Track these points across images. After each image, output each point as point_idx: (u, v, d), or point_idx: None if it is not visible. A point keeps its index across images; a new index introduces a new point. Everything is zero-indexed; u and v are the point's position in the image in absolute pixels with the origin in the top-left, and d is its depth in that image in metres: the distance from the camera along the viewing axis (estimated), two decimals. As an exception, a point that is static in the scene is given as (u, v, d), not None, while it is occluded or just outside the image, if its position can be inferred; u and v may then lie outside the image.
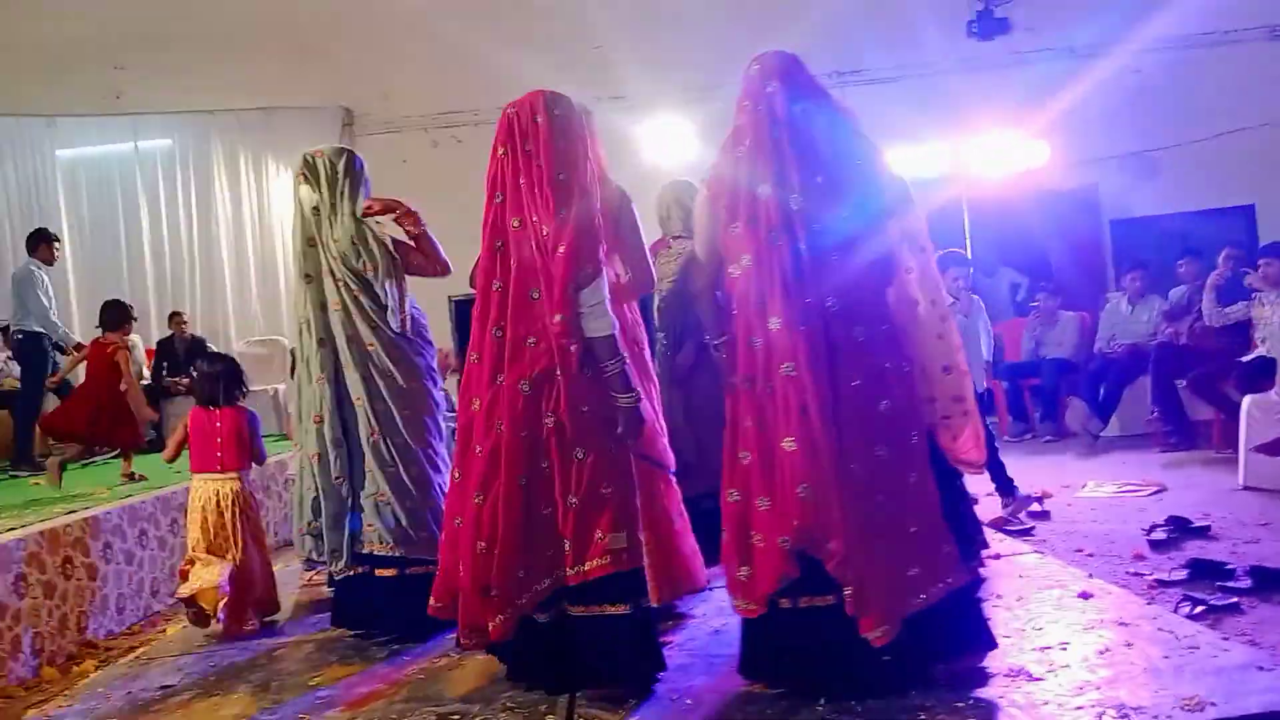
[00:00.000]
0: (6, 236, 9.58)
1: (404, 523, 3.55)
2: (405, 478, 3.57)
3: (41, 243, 7.37)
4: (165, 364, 8.51)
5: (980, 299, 5.72)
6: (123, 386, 5.87)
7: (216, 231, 9.92)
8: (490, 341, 2.83)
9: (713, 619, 3.43)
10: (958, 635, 2.71)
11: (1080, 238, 9.26)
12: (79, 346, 6.97)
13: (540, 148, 2.78)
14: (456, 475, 2.96)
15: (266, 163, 10.07)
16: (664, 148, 9.17)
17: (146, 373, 8.51)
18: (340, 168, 3.67)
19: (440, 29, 9.26)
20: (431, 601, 2.99)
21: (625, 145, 8.91)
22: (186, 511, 4.15)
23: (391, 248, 3.68)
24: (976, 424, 3.36)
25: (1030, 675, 2.68)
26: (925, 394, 3.33)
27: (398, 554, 3.56)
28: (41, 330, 7.02)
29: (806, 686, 2.66)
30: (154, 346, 8.86)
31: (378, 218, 3.70)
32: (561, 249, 2.68)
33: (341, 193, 3.64)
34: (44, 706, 3.30)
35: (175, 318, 8.76)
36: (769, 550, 2.59)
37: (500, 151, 2.85)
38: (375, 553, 3.59)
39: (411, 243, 3.72)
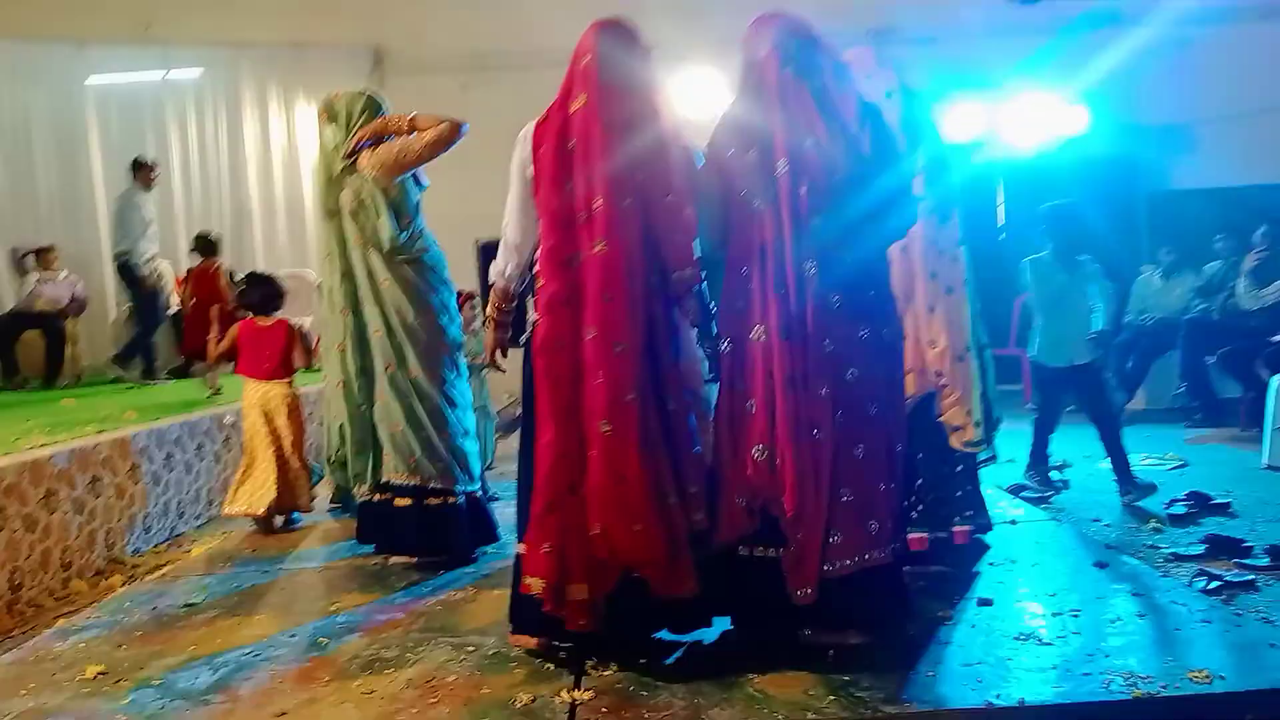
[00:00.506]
0: (38, 161, 9.64)
1: (418, 453, 3.65)
2: (420, 410, 3.66)
3: (139, 169, 8.07)
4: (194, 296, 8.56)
5: (1093, 261, 5.00)
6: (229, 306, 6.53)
7: (245, 165, 9.93)
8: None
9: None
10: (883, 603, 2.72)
11: (1116, 209, 9.12)
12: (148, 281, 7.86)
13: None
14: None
15: (296, 98, 10.04)
16: (696, 100, 9.07)
17: (175, 301, 8.58)
18: (358, 109, 3.75)
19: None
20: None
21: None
22: (243, 415, 4.51)
23: (385, 176, 3.65)
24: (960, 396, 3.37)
25: (1040, 640, 2.71)
26: (913, 365, 3.34)
27: (413, 483, 3.66)
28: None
29: (751, 623, 2.75)
30: (182, 276, 8.92)
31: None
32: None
33: (356, 127, 3.71)
34: (72, 617, 3.38)
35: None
36: (729, 506, 2.66)
37: None
38: (393, 481, 3.69)
39: (411, 134, 3.66)
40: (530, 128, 2.77)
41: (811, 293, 2.59)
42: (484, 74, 9.48)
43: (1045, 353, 4.84)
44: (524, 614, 2.76)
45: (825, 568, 2.58)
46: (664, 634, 2.79)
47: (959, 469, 3.54)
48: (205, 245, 7.84)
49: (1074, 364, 4.71)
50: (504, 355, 3.02)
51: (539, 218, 2.72)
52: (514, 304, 2.95)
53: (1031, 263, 4.91)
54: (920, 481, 3.47)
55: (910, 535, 3.31)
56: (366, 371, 3.76)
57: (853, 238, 2.62)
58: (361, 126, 3.72)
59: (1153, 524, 4.10)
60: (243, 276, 5.01)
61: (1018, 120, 8.88)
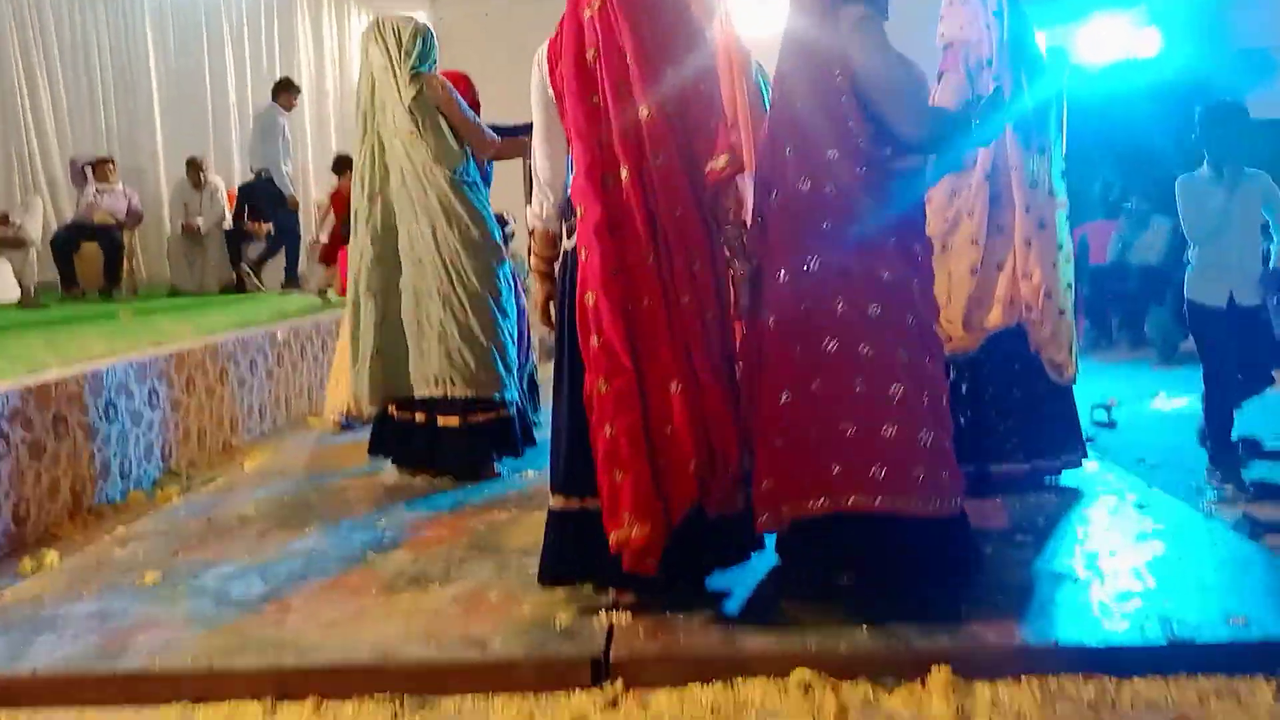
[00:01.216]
0: (97, 69, 9.71)
1: (473, 366, 3.76)
2: (476, 325, 3.75)
3: (283, 90, 8.28)
4: (246, 208, 8.66)
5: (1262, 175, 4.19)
6: None
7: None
8: None
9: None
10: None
11: (1185, 137, 8.79)
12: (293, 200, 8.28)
13: None
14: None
15: (349, 10, 9.98)
16: (754, 14, 8.82)
17: (229, 217, 8.68)
18: (407, 35, 3.78)
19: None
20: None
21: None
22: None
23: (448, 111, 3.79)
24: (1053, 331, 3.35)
25: (1076, 579, 2.71)
26: (1006, 295, 3.33)
27: (469, 394, 3.77)
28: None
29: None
30: (235, 191, 9.01)
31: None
32: None
33: (407, 54, 3.74)
34: (131, 526, 3.52)
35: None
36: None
37: None
38: (450, 395, 3.79)
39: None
40: (544, 48, 2.59)
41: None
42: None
43: (1201, 290, 4.07)
44: (557, 566, 2.68)
45: (815, 501, 2.52)
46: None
47: (1055, 403, 3.54)
48: (342, 163, 7.37)
49: (1238, 305, 4.00)
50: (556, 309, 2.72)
51: (569, 140, 2.53)
52: (559, 249, 2.69)
53: (1184, 181, 4.16)
54: (1009, 413, 3.50)
55: (1005, 467, 3.44)
56: (386, 291, 3.84)
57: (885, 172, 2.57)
58: (415, 49, 3.76)
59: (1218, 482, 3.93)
60: None
61: (1086, 39, 8.54)
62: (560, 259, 2.67)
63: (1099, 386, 5.39)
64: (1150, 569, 2.79)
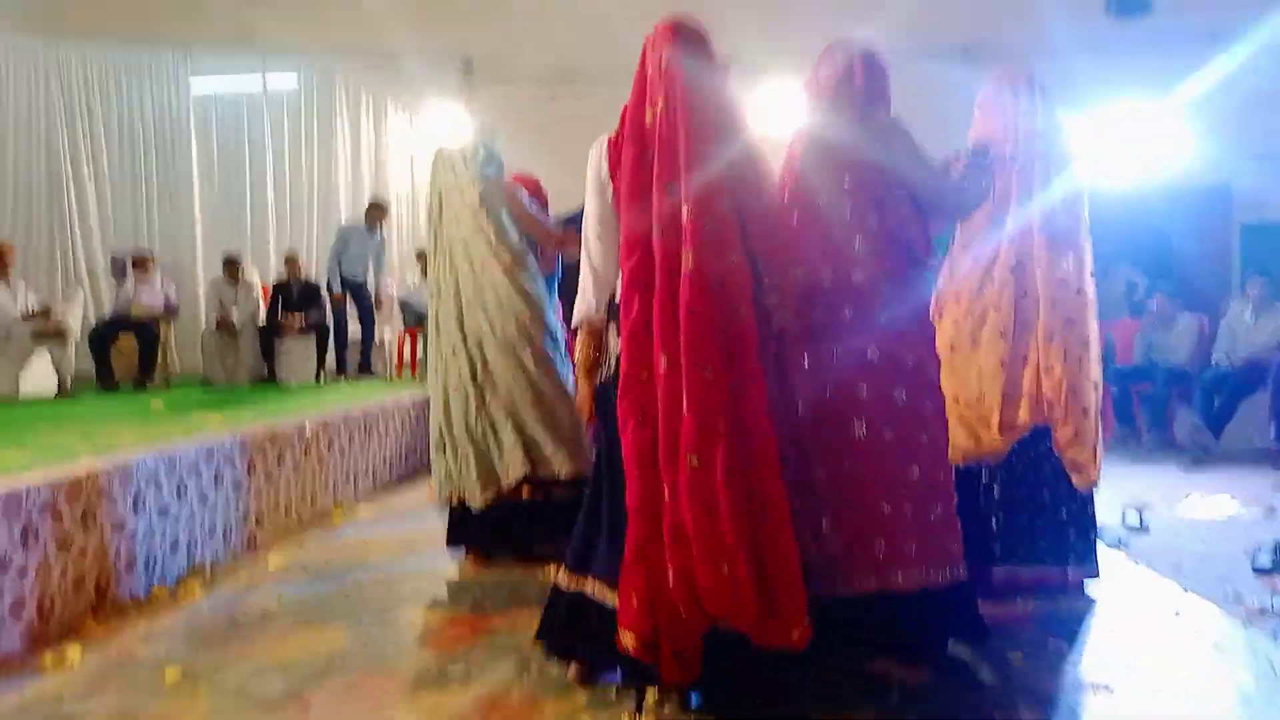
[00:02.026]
0: (141, 165, 10.07)
1: (572, 442, 4.02)
2: (559, 407, 4.04)
3: (374, 210, 8.95)
4: (280, 304, 8.85)
5: None
6: None
7: (336, 172, 10.25)
8: None
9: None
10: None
11: (1208, 239, 8.85)
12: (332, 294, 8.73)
13: None
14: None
15: (387, 105, 10.36)
16: (779, 110, 9.04)
17: (263, 311, 8.86)
18: (470, 150, 4.21)
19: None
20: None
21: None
22: None
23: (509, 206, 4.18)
24: (1077, 432, 3.35)
25: (1110, 689, 2.64)
26: (1028, 391, 3.36)
27: (576, 471, 3.95)
28: (357, 280, 8.72)
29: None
30: (270, 286, 9.22)
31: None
32: None
33: (469, 164, 4.15)
34: (154, 622, 3.51)
35: (291, 263, 9.09)
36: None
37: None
38: (543, 475, 4.02)
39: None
40: (604, 140, 2.60)
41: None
42: (570, 86, 9.61)
43: None
44: (555, 635, 2.73)
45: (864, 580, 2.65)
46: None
47: (1074, 507, 3.51)
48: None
49: None
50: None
51: (623, 237, 2.48)
52: (605, 347, 2.65)
53: None
54: (1040, 515, 3.49)
55: (1037, 570, 3.44)
56: (472, 382, 4.08)
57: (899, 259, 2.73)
58: (477, 165, 4.16)
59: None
60: None
61: (1108, 141, 8.68)
62: (612, 361, 2.61)
63: (1129, 488, 5.32)
64: (1188, 680, 2.71)
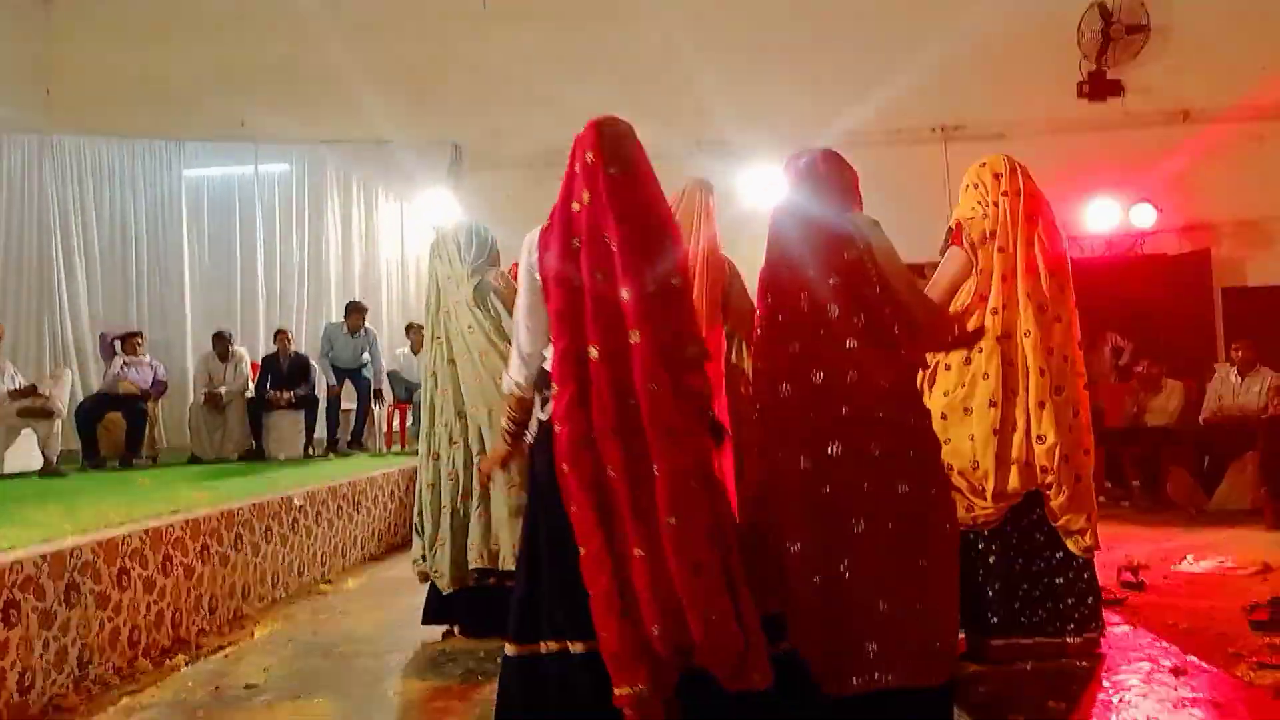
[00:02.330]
0: (132, 247, 10.16)
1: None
2: None
3: (351, 312, 9.15)
4: (269, 378, 8.84)
5: None
6: None
7: (326, 254, 10.35)
8: None
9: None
10: None
11: (1190, 305, 8.98)
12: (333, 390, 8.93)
13: None
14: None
15: (377, 192, 10.50)
16: (763, 193, 9.21)
17: (251, 386, 8.85)
18: (464, 239, 4.19)
19: (545, 73, 9.57)
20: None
21: (724, 190, 8.96)
22: None
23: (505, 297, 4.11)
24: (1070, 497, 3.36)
25: (1114, 748, 2.60)
26: (1018, 458, 3.37)
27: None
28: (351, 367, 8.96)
29: None
30: (259, 361, 9.22)
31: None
32: None
33: (464, 256, 4.15)
34: (137, 696, 3.44)
35: (280, 335, 9.10)
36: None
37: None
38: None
39: None
40: (535, 233, 2.73)
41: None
42: (557, 169, 9.71)
43: None
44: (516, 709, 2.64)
45: (856, 679, 2.58)
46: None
47: (1071, 574, 3.50)
48: None
49: None
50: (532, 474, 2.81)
51: (551, 320, 2.64)
52: (529, 415, 2.79)
53: None
54: (1037, 583, 3.48)
55: (1036, 639, 3.41)
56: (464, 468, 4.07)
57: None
58: (471, 253, 4.16)
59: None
60: None
61: (1086, 216, 8.88)
62: (538, 427, 2.75)
63: (1124, 548, 5.30)
64: (1190, 738, 2.68)
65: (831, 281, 2.75)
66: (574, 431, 2.51)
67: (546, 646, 2.58)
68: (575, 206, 2.60)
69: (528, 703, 2.59)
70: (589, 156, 2.62)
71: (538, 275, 2.68)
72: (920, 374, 3.30)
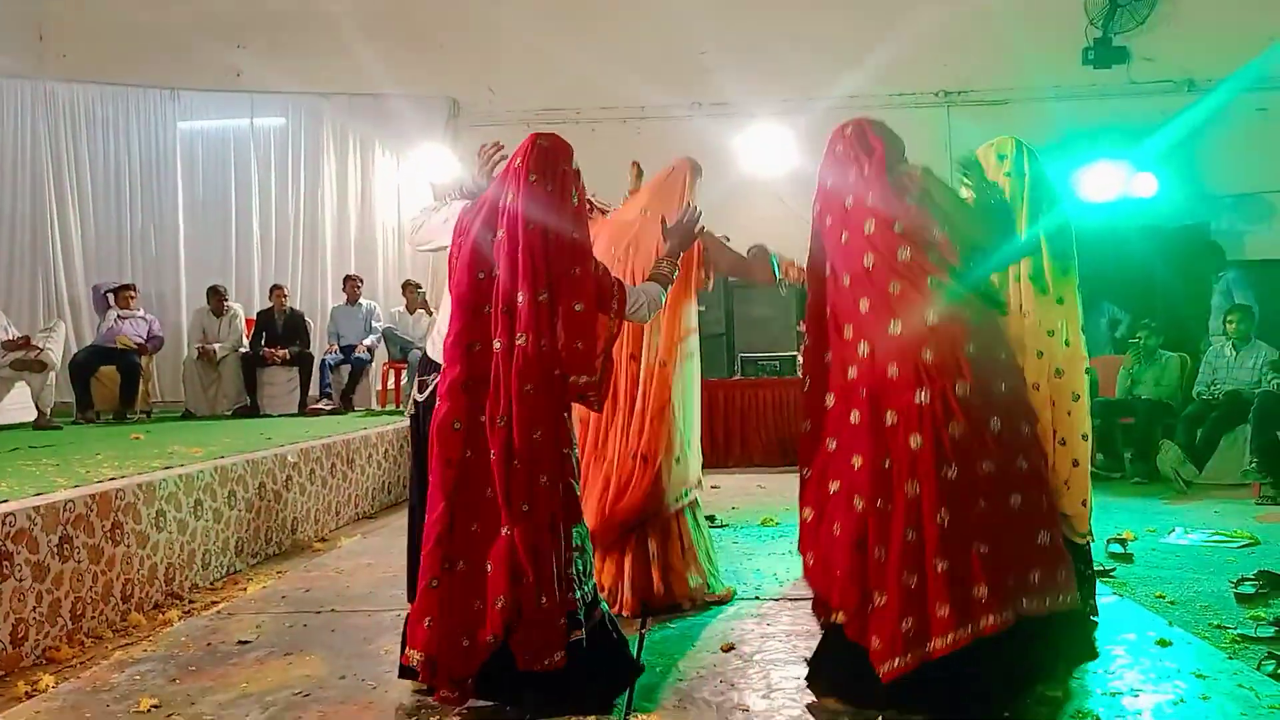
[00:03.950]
0: (127, 199, 10.07)
1: None
2: None
3: (348, 281, 9.49)
4: (264, 334, 8.82)
5: None
6: None
7: (322, 209, 10.28)
8: None
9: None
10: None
11: (1188, 276, 8.96)
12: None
13: None
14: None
15: (374, 146, 10.39)
16: (762, 156, 9.15)
17: (246, 342, 8.83)
18: None
19: (544, 28, 9.45)
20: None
21: (723, 153, 8.94)
22: None
23: None
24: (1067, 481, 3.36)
25: (1099, 719, 2.63)
26: None
27: None
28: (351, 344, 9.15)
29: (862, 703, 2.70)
30: (254, 317, 9.19)
31: None
32: None
33: None
34: (130, 649, 3.46)
35: (276, 291, 9.08)
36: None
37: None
38: None
39: None
40: (459, 207, 2.96)
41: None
42: (554, 126, 9.67)
43: None
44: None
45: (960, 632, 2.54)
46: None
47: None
48: None
49: None
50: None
51: (453, 303, 2.84)
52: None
53: None
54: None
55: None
56: None
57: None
58: None
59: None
60: None
61: (1087, 183, 8.82)
62: (413, 406, 3.07)
63: (1114, 520, 5.33)
64: (1174, 709, 2.70)
65: (898, 229, 2.76)
66: (452, 411, 2.73)
67: None
68: (504, 200, 2.78)
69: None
70: (517, 162, 2.82)
71: (449, 247, 2.91)
72: None
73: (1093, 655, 3.00)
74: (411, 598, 2.94)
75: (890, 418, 2.68)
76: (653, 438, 3.75)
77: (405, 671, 2.84)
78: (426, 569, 2.71)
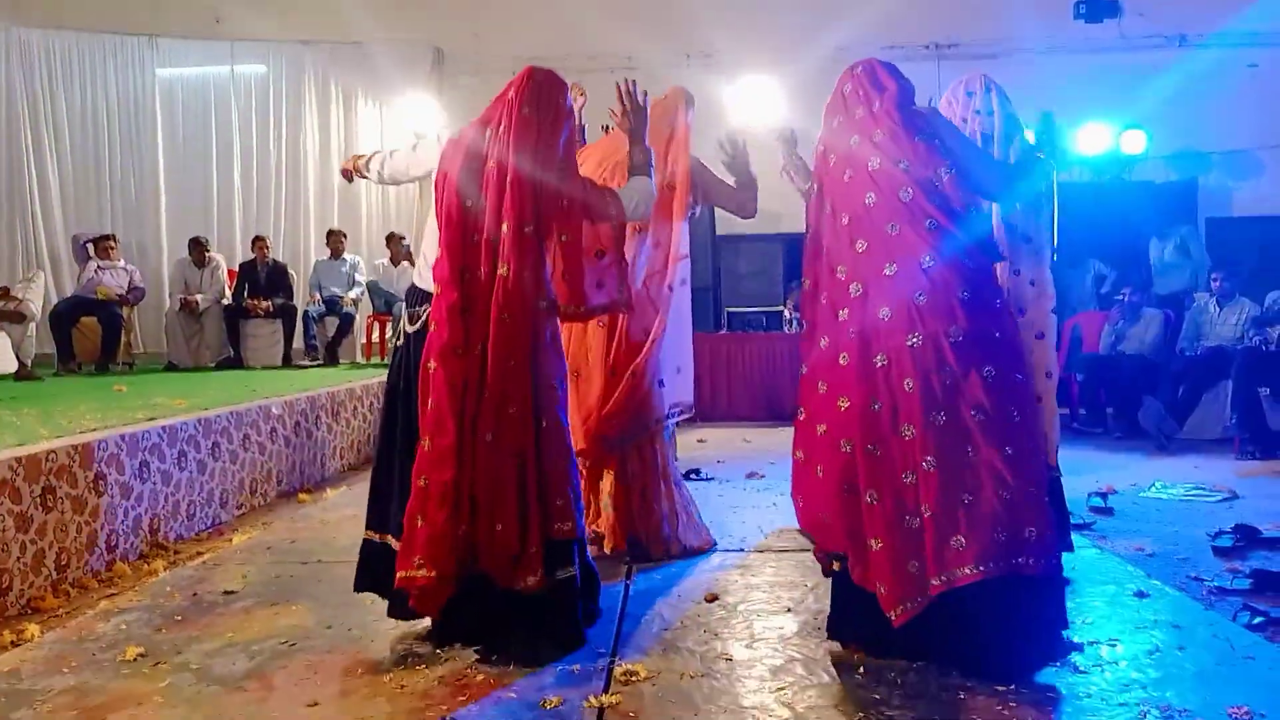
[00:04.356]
0: (105, 148, 9.92)
1: None
2: None
3: (331, 236, 9.30)
4: (246, 286, 8.74)
5: None
6: None
7: (304, 159, 10.15)
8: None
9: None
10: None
11: (1174, 233, 8.98)
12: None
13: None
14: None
15: (357, 95, 10.23)
16: (752, 108, 9.06)
17: (228, 293, 8.76)
18: None
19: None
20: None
21: (712, 105, 8.85)
22: None
23: None
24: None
25: (1076, 668, 2.66)
26: None
27: None
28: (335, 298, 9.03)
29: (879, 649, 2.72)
30: (236, 269, 9.11)
31: None
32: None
33: None
34: (115, 599, 3.47)
35: (258, 242, 8.99)
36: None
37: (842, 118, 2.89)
38: None
39: None
40: (445, 137, 2.97)
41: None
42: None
43: None
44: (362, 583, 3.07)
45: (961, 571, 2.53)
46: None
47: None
48: None
49: None
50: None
51: (440, 227, 2.86)
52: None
53: None
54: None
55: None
56: None
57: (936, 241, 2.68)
58: None
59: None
60: None
61: (1075, 139, 8.78)
62: (402, 339, 3.07)
63: (1095, 474, 5.38)
64: (1151, 659, 2.74)
65: (909, 184, 2.72)
66: (452, 336, 2.74)
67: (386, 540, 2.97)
68: (491, 133, 2.81)
69: (379, 582, 2.99)
70: (511, 93, 2.83)
71: (435, 175, 2.92)
72: None
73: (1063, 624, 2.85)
74: (371, 525, 3.07)
75: (880, 360, 2.67)
76: (637, 353, 3.80)
77: (395, 609, 2.93)
78: (438, 489, 2.72)
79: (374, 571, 3.04)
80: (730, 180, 4.01)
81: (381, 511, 3.05)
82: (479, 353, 2.74)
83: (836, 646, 2.80)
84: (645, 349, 3.80)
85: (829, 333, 2.80)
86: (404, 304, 3.23)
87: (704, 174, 4.00)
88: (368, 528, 3.09)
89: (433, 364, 2.78)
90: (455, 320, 2.75)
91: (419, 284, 3.10)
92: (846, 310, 2.75)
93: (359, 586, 3.10)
